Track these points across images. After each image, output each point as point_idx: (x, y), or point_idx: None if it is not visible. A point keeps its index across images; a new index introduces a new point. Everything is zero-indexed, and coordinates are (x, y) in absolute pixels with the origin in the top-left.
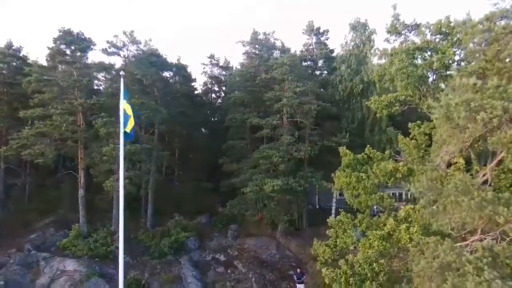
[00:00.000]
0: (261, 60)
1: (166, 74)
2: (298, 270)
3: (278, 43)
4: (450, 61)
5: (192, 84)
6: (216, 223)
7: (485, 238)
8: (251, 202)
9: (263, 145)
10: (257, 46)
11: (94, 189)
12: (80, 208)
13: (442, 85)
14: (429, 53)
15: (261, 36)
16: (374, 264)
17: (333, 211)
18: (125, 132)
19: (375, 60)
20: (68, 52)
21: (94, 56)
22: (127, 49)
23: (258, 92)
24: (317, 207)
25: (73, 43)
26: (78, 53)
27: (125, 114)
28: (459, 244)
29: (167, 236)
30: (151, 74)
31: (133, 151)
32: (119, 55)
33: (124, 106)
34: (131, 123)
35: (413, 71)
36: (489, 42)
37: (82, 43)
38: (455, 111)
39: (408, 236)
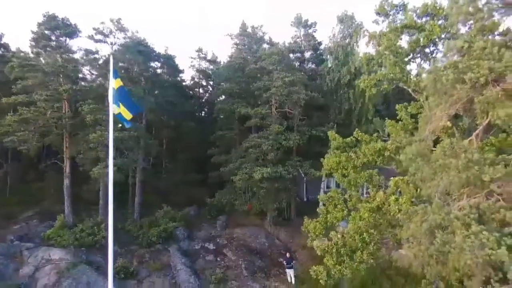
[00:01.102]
0: (250, 52)
1: (154, 64)
2: (288, 255)
3: (267, 37)
4: (437, 39)
5: (180, 75)
6: (204, 214)
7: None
8: (240, 192)
9: (252, 135)
10: (245, 39)
11: (80, 181)
12: (66, 199)
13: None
14: (416, 32)
15: (249, 30)
16: (365, 234)
17: (320, 203)
18: (121, 116)
19: (362, 45)
20: (53, 37)
21: (80, 44)
22: (114, 37)
23: (246, 83)
24: (305, 199)
25: (57, 28)
26: (63, 38)
27: (114, 91)
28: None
29: (156, 226)
30: (139, 63)
31: (121, 138)
32: (106, 42)
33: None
34: (123, 110)
35: (401, 48)
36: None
37: (67, 29)
38: (443, 75)
39: (397, 207)
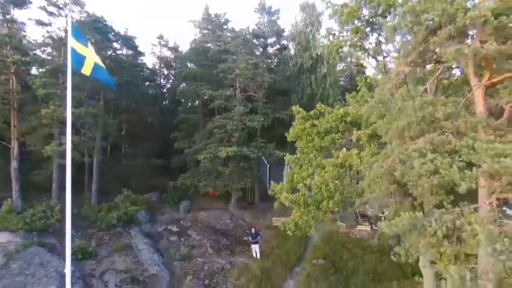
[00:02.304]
0: (214, 37)
1: (113, 45)
2: (253, 230)
3: (230, 25)
4: (396, 4)
5: (141, 58)
6: (167, 199)
7: None
8: (204, 174)
9: (216, 116)
10: (209, 26)
11: (29, 166)
12: (14, 182)
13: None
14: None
15: (213, 17)
16: (331, 184)
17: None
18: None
19: (323, 32)
20: None
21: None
22: (70, 10)
23: (210, 67)
24: (268, 187)
25: None
26: (11, 6)
27: (77, 53)
28: None
29: (116, 210)
30: (96, 41)
31: (78, 114)
32: (60, 15)
33: (76, 46)
34: (88, 65)
35: (362, 14)
36: None
37: None
38: (402, 20)
39: (359, 160)
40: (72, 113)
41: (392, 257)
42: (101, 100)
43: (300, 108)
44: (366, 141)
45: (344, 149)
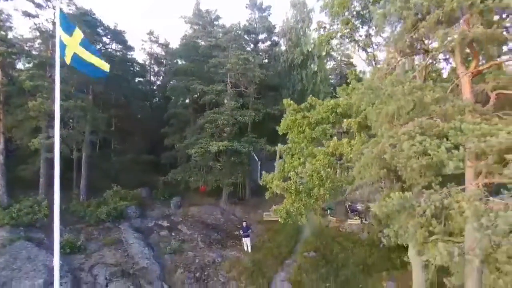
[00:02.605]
0: (205, 32)
1: (103, 39)
2: (244, 224)
3: (221, 22)
4: None
5: (131, 53)
6: (157, 195)
7: None
8: (195, 170)
9: (207, 111)
10: (200, 22)
11: (16, 160)
12: None
13: None
14: None
15: (203, 13)
16: (322, 171)
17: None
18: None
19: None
20: None
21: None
22: (58, 1)
23: (201, 62)
24: (259, 183)
25: None
26: None
27: (63, 43)
28: None
29: (105, 205)
30: (85, 33)
31: (66, 107)
32: (48, 6)
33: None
34: (68, 54)
35: (353, 5)
36: None
37: None
38: (392, 5)
39: (349, 148)
40: (60, 106)
41: (383, 241)
42: (90, 94)
43: (291, 101)
44: (356, 130)
45: (335, 137)
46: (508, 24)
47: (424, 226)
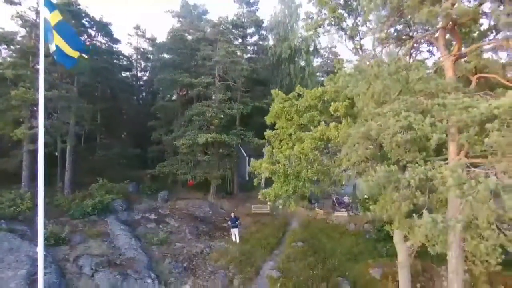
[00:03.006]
0: (192, 25)
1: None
2: (232, 215)
3: (209, 16)
4: None
5: (117, 46)
6: (144, 190)
7: None
8: (182, 163)
9: (195, 104)
10: (187, 17)
11: None
12: None
13: None
14: None
15: (191, 8)
16: (310, 154)
17: (262, 182)
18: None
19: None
20: None
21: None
22: None
23: (188, 55)
24: (247, 178)
25: None
26: None
27: (49, 25)
28: None
29: (90, 198)
30: (70, 23)
31: (50, 97)
32: None
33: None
34: (60, 43)
35: None
36: None
37: None
38: None
39: (337, 132)
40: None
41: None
42: (74, 85)
43: (279, 91)
44: (343, 114)
45: (323, 122)
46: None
47: (409, 198)
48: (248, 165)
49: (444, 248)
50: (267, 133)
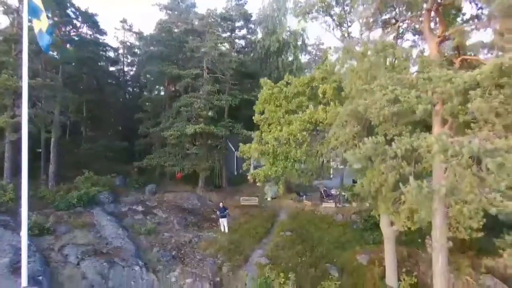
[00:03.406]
0: (180, 18)
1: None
2: (221, 205)
3: (197, 10)
4: None
5: (103, 37)
6: (131, 183)
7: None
8: (170, 155)
9: (184, 95)
10: (176, 12)
11: None
12: None
13: None
14: None
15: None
16: (298, 135)
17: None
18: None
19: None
20: None
21: None
22: None
23: (176, 47)
24: (235, 173)
25: None
26: None
27: (33, 5)
28: None
29: (76, 190)
30: (53, 11)
31: (33, 85)
32: None
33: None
34: (44, 21)
35: None
36: None
37: None
38: None
39: (325, 114)
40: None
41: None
42: (59, 74)
43: (267, 80)
44: (331, 96)
45: (311, 106)
46: None
47: (395, 169)
48: (237, 160)
49: (429, 216)
50: (256, 116)
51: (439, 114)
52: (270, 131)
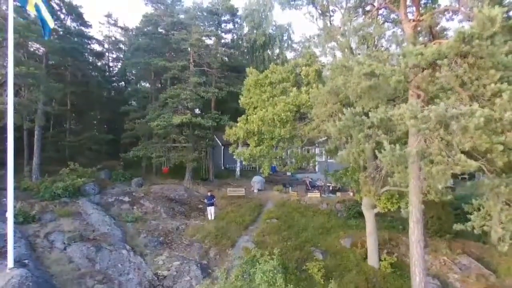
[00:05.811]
0: (166, 11)
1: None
2: (209, 193)
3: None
4: None
5: (88, 30)
6: (117, 177)
7: None
8: (157, 145)
9: (170, 87)
10: (162, 7)
11: None
12: None
13: None
14: None
15: None
16: (282, 114)
17: (237, 171)
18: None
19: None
20: None
21: None
22: None
23: (163, 40)
24: (223, 168)
25: None
26: None
27: None
28: None
29: (61, 181)
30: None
31: (17, 73)
32: None
33: None
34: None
35: None
36: None
37: None
38: None
39: (307, 96)
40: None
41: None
42: (43, 63)
43: (253, 69)
44: (313, 77)
45: (295, 89)
46: None
47: (372, 138)
48: (224, 154)
49: (404, 179)
50: (242, 99)
51: (412, 87)
52: (255, 114)
